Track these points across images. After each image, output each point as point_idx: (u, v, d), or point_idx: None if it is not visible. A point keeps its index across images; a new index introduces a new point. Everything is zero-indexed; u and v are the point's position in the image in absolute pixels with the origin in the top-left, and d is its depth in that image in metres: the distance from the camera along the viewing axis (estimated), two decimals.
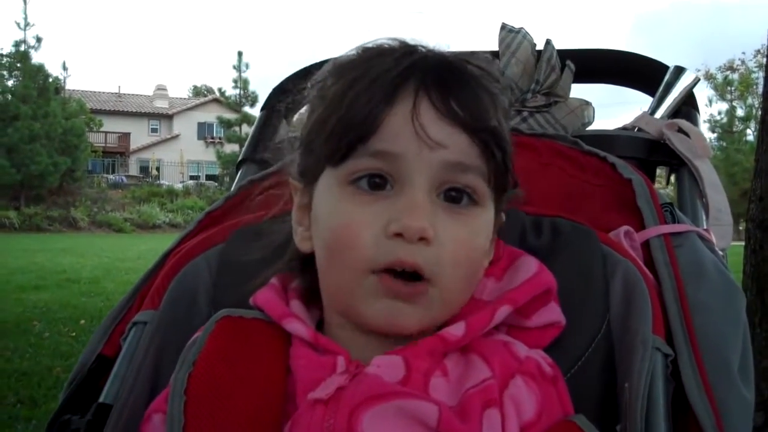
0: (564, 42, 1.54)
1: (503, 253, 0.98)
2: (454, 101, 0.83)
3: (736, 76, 39.74)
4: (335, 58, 0.92)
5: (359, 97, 0.83)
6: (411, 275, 0.83)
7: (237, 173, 1.59)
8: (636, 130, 1.47)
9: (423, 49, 0.88)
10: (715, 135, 38.03)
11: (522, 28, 1.54)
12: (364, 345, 0.87)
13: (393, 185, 0.84)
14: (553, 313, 0.95)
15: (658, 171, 1.51)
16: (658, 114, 1.52)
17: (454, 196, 0.85)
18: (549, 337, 0.95)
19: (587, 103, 1.51)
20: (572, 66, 1.51)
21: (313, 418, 0.82)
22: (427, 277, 0.83)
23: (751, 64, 37.96)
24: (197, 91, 59.13)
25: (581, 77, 1.55)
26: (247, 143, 1.66)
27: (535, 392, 0.86)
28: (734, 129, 38.49)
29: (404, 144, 0.82)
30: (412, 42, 0.89)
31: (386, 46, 0.89)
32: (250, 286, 0.97)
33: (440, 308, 0.86)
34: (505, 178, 0.90)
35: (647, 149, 1.43)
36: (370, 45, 0.90)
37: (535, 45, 1.52)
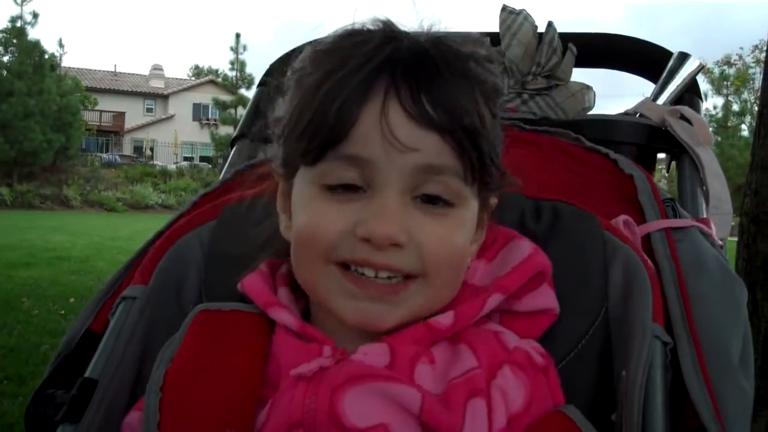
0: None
1: (498, 235, 0.96)
2: (426, 98, 0.79)
3: (732, 71, 39.81)
4: (315, 42, 0.88)
5: (332, 92, 0.80)
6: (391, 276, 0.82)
7: (232, 149, 1.57)
8: (638, 115, 1.45)
9: (402, 35, 0.83)
10: (710, 129, 38.04)
11: (523, 9, 1.52)
12: (350, 333, 0.86)
13: (366, 188, 0.82)
14: (545, 298, 0.93)
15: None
16: (661, 100, 1.51)
17: (430, 197, 0.83)
18: (542, 326, 0.93)
19: (588, 87, 1.50)
20: (574, 49, 1.49)
21: (294, 395, 0.81)
22: (410, 274, 0.82)
23: (749, 60, 38.05)
24: (198, 71, 58.55)
25: (583, 61, 1.54)
26: (242, 120, 1.64)
27: (524, 382, 0.85)
28: (729, 124, 38.58)
29: (374, 148, 0.80)
30: (392, 24, 0.85)
31: (366, 30, 0.85)
32: (240, 273, 0.95)
33: (424, 302, 0.85)
34: (488, 172, 0.86)
35: (648, 135, 1.41)
36: (349, 29, 0.86)
37: (536, 27, 1.51)
